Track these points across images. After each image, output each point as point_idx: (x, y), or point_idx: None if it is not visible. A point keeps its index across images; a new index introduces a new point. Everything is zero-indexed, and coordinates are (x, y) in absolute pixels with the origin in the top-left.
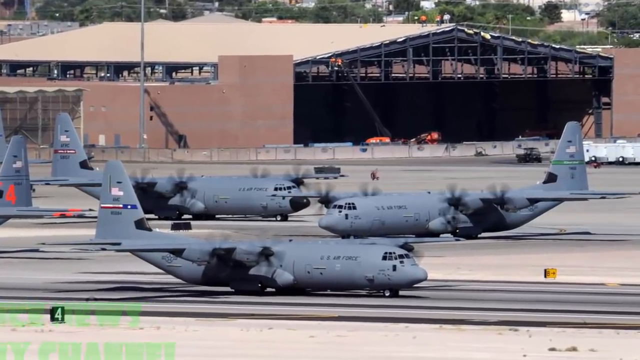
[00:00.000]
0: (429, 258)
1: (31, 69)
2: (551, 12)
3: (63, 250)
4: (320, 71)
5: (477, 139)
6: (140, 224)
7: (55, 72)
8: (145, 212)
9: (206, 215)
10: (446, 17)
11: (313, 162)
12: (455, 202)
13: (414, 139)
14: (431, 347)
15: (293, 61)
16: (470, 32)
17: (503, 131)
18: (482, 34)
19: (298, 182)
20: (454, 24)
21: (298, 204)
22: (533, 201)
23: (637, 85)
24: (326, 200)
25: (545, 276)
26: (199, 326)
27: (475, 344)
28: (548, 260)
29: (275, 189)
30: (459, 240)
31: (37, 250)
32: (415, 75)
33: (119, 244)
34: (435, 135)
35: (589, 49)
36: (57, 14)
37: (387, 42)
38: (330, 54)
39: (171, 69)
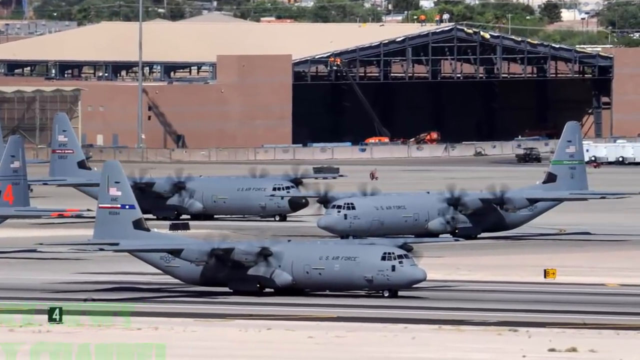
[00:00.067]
0: (428, 258)
1: (29, 68)
2: (551, 12)
3: (61, 250)
4: (319, 71)
5: (477, 139)
6: (138, 224)
7: (53, 71)
8: (144, 212)
9: (204, 215)
10: (445, 16)
11: (312, 162)
12: (455, 202)
13: (413, 139)
14: (430, 348)
15: (292, 61)
16: (470, 31)
17: (502, 131)
18: (482, 33)
19: (297, 182)
20: (453, 23)
21: (297, 204)
22: (533, 201)
23: (637, 84)
24: (325, 201)
25: (544, 276)
26: (197, 327)
27: (474, 344)
28: (548, 260)
29: (274, 189)
30: (458, 240)
31: (34, 251)
32: (415, 74)
33: (117, 244)
34: (434, 135)
35: (589, 49)
36: (55, 14)
37: (386, 41)
38: (329, 54)
39: (169, 68)
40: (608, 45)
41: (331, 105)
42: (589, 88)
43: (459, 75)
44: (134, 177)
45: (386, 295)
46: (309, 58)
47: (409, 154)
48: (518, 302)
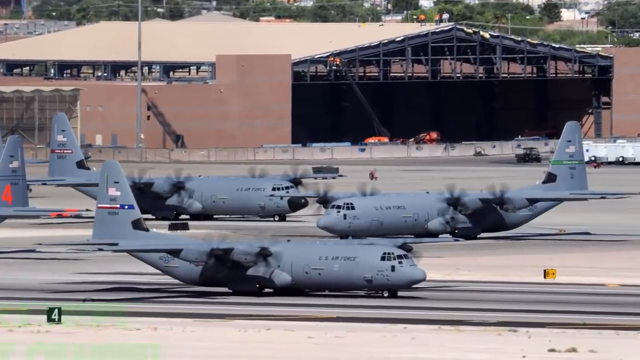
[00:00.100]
0: (428, 258)
1: (28, 68)
2: (551, 11)
3: (60, 250)
4: (319, 70)
5: (476, 139)
6: (137, 224)
7: (52, 71)
8: (143, 212)
9: (204, 215)
10: (445, 16)
11: (311, 162)
12: (454, 202)
13: (412, 139)
14: (430, 348)
15: (291, 60)
16: (470, 31)
17: (502, 131)
18: (481, 33)
19: (296, 182)
20: (453, 23)
21: (296, 204)
22: (532, 201)
23: (637, 84)
24: (324, 201)
25: (544, 277)
26: (196, 327)
27: (474, 344)
28: (547, 260)
29: (273, 189)
30: (458, 240)
31: (33, 251)
32: (414, 74)
33: (116, 244)
34: (434, 135)
35: (589, 48)
36: (54, 13)
37: (386, 41)
38: (328, 53)
39: (168, 68)
40: (608, 45)
41: (330, 105)
42: (589, 88)
43: (458, 75)
44: (133, 177)
45: (386, 295)
46: (308, 58)
47: (409, 154)
48: (518, 302)
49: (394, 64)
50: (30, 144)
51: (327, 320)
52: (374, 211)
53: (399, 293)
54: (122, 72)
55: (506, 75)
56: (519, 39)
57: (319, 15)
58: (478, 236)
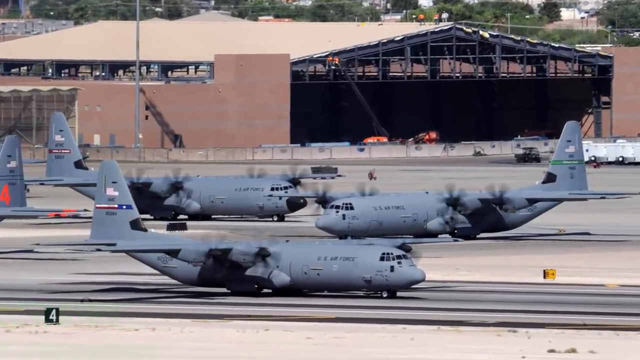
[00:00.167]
0: (427, 259)
1: (25, 68)
2: (550, 11)
3: (58, 250)
4: (318, 70)
5: (476, 139)
6: (135, 225)
7: (50, 71)
8: (141, 212)
9: (202, 215)
10: (444, 15)
11: (310, 162)
12: (454, 203)
13: (411, 139)
14: (429, 349)
15: (290, 60)
16: (469, 30)
17: (502, 131)
18: (481, 32)
19: (295, 182)
20: (452, 22)
21: (295, 204)
22: (532, 201)
23: (637, 84)
24: (323, 201)
25: (544, 277)
26: (195, 327)
27: (473, 345)
28: (547, 261)
29: (272, 189)
30: (457, 240)
31: (31, 251)
32: (413, 74)
33: (114, 244)
34: (433, 135)
35: (589, 48)
36: (52, 13)
37: (385, 40)
38: (327, 53)
39: (167, 68)
40: (608, 45)
41: (329, 104)
42: (589, 87)
43: (458, 74)
44: (131, 177)
45: (385, 295)
46: (307, 57)
47: (408, 153)
48: (517, 302)
49: (393, 64)
50: (28, 144)
51: (326, 321)
52: (373, 211)
53: (398, 293)
54: (120, 72)
55: (506, 74)
56: (519, 38)
57: (318, 14)
58: (477, 236)
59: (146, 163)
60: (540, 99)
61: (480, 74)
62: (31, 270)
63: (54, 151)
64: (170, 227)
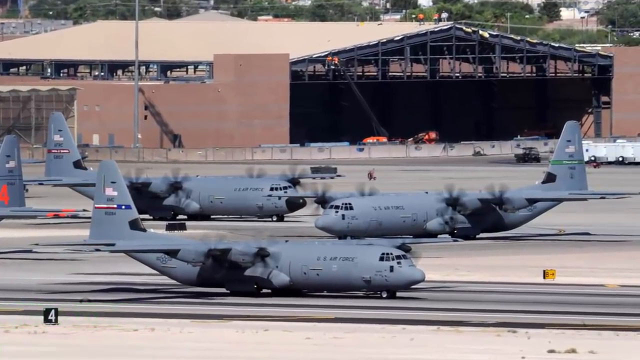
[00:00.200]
0: (427, 259)
1: (24, 67)
2: (550, 10)
3: (56, 251)
4: (317, 70)
5: (475, 139)
6: (134, 225)
7: (49, 71)
8: (140, 212)
9: (201, 215)
10: (444, 15)
11: (309, 162)
12: (453, 203)
13: (411, 139)
14: (429, 349)
15: (289, 60)
16: (469, 30)
17: (501, 131)
18: (481, 32)
19: (294, 182)
20: (452, 22)
21: (294, 204)
22: (532, 201)
23: (637, 84)
24: (323, 201)
25: (544, 277)
26: (194, 328)
27: (473, 345)
28: (547, 261)
29: (271, 189)
30: (457, 241)
31: (30, 251)
32: (413, 74)
33: (113, 244)
34: (432, 135)
35: (589, 48)
36: (51, 12)
37: (384, 40)
38: (326, 53)
39: (166, 67)
40: (608, 44)
41: (329, 104)
42: (589, 87)
43: (457, 74)
44: (130, 177)
45: (384, 296)
46: (306, 57)
47: (407, 153)
48: (517, 303)
49: (393, 64)
50: (27, 144)
51: (326, 321)
52: (373, 211)
53: (398, 294)
54: (120, 72)
55: (505, 74)
56: (519, 38)
57: (317, 14)
58: (477, 236)
59: (145, 163)
60: (540, 99)
61: (480, 74)
62: (30, 270)
63: (53, 151)
64: (170, 227)
